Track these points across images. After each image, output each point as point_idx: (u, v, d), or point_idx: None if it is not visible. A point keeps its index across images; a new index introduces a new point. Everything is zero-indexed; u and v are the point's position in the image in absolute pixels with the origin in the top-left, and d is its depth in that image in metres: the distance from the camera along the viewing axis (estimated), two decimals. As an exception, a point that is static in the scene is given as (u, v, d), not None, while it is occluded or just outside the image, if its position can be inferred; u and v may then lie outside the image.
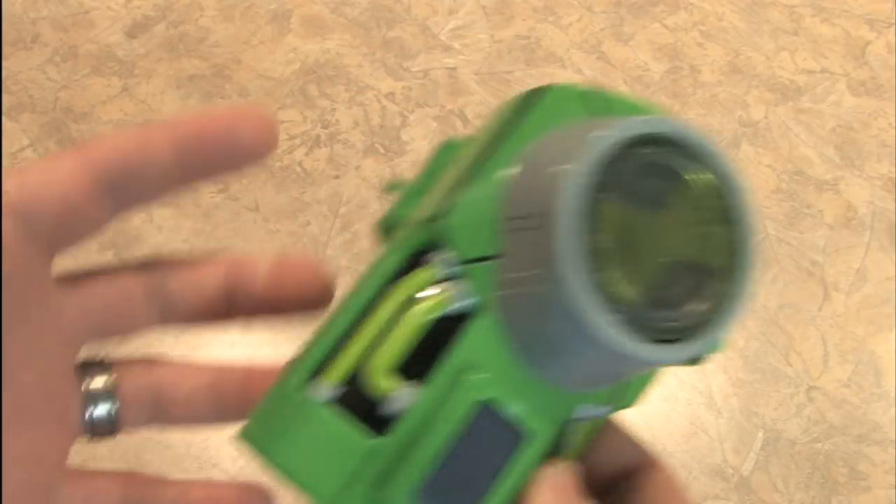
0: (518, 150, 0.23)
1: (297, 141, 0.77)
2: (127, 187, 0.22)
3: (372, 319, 0.23)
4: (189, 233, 0.71)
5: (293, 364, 0.24)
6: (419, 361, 0.23)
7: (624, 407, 0.25)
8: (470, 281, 0.23)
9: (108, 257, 0.71)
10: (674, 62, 0.84)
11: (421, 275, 0.24)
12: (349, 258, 0.71)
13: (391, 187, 0.26)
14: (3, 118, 0.77)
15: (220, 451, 0.62)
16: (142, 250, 0.69)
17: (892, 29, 0.87)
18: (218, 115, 0.22)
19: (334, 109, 0.79)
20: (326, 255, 0.72)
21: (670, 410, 0.64)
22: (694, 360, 0.24)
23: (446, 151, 0.26)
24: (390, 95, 0.80)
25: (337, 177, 0.75)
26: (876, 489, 0.60)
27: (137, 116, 0.78)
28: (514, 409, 0.23)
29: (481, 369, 0.23)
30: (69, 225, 0.22)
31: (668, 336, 0.22)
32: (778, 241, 0.73)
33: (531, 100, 0.25)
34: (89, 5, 0.86)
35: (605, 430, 0.27)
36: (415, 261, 0.24)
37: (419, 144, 0.77)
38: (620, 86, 0.82)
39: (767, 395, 0.64)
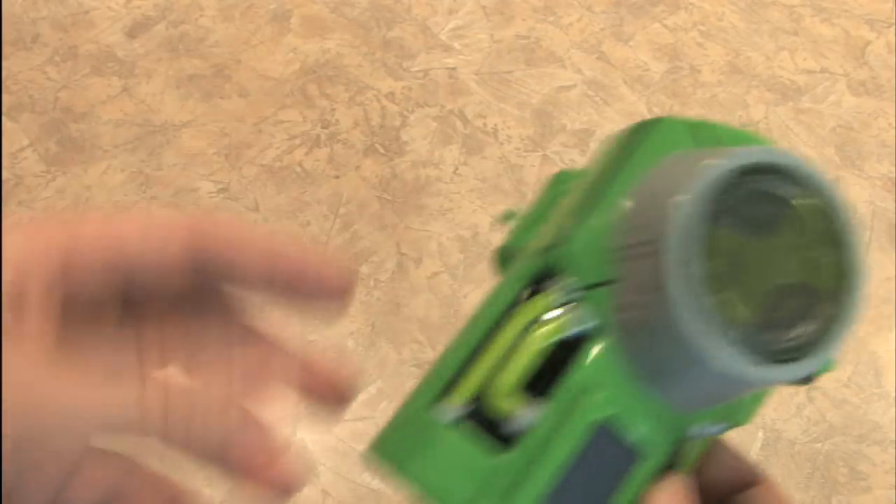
0: (632, 181, 0.25)
1: (297, 141, 0.77)
2: (212, 272, 0.23)
3: (495, 343, 0.25)
4: (189, 233, 0.71)
5: (421, 385, 0.25)
6: (540, 382, 0.24)
7: (738, 424, 0.26)
8: (588, 305, 0.24)
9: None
10: (674, 62, 0.84)
11: (541, 300, 0.25)
12: (349, 258, 0.71)
13: (506, 217, 0.28)
14: (3, 118, 0.77)
15: (219, 451, 0.62)
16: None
17: (892, 29, 0.87)
18: (310, 257, 0.24)
19: (334, 109, 0.79)
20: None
21: (670, 410, 0.64)
22: (806, 380, 0.25)
23: (559, 182, 0.27)
24: (390, 95, 0.80)
25: (337, 177, 0.75)
26: (876, 489, 0.60)
27: (137, 116, 0.78)
28: (631, 429, 0.24)
29: (599, 390, 0.24)
30: (152, 281, 0.23)
31: (781, 357, 0.23)
32: (778, 241, 0.73)
33: (642, 131, 0.26)
34: (89, 5, 0.86)
35: (716, 447, 0.28)
36: (535, 287, 0.26)
37: (419, 144, 0.77)
38: (620, 86, 0.82)
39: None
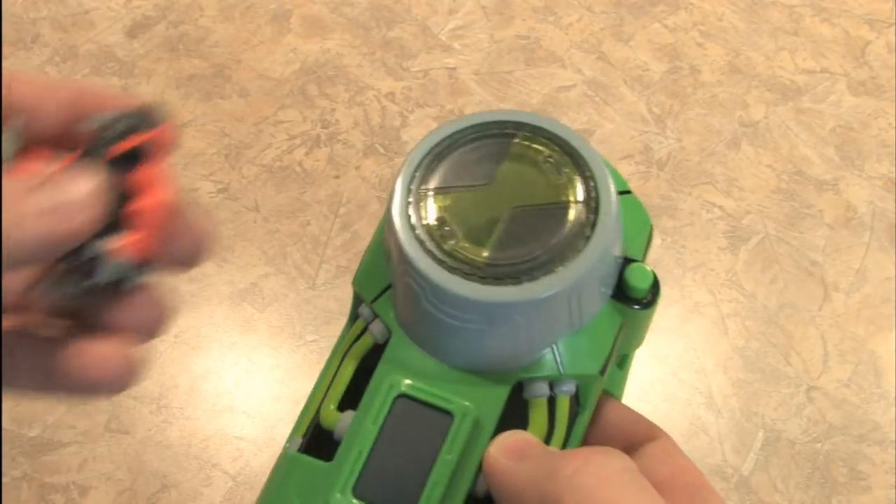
0: None
1: (297, 141, 0.77)
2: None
3: (327, 377, 0.28)
4: (189, 233, 0.71)
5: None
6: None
7: (588, 378, 0.27)
8: (381, 313, 0.27)
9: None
10: (674, 62, 0.84)
11: (355, 329, 0.28)
12: (349, 258, 0.71)
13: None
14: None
15: (220, 451, 0.62)
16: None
17: (892, 29, 0.87)
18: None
19: (334, 109, 0.79)
20: (326, 255, 0.72)
21: (670, 410, 0.64)
22: (640, 303, 0.27)
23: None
24: (390, 95, 0.80)
25: (337, 177, 0.75)
26: (876, 489, 0.60)
27: (137, 116, 0.78)
28: (433, 393, 0.25)
29: (398, 373, 0.26)
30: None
31: (515, 278, 0.25)
32: (778, 241, 0.73)
33: None
34: (89, 5, 0.86)
35: (610, 406, 0.28)
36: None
37: (419, 144, 0.77)
38: (620, 86, 0.82)
39: (767, 395, 0.64)
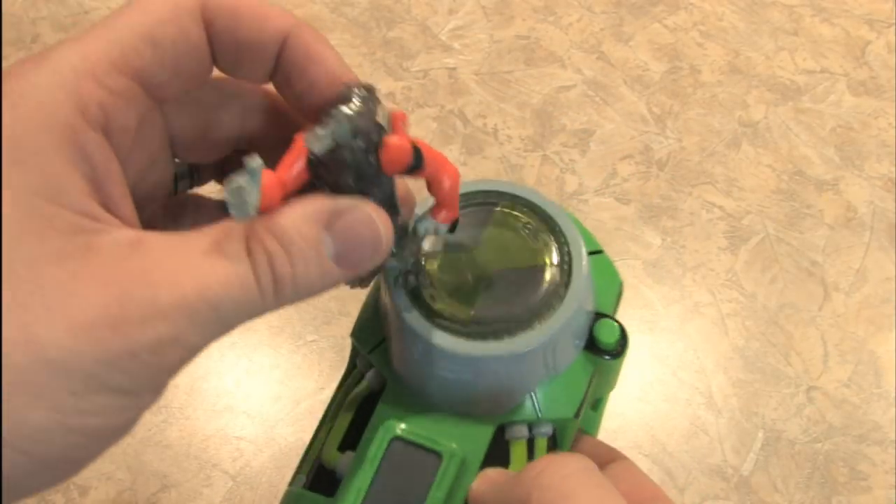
0: None
1: (297, 141, 0.77)
2: (224, 46, 0.23)
3: (327, 422, 0.30)
4: (189, 233, 0.71)
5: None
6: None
7: (564, 422, 0.29)
8: (377, 363, 0.30)
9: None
10: (674, 62, 0.84)
11: (354, 377, 0.31)
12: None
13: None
14: (3, 118, 0.76)
15: (220, 451, 0.62)
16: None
17: (892, 29, 0.87)
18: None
19: (334, 109, 0.79)
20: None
21: (670, 410, 0.64)
22: (610, 353, 0.29)
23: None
24: (390, 95, 0.80)
25: (337, 177, 0.75)
26: (876, 489, 0.60)
27: (137, 116, 0.78)
28: (424, 436, 0.27)
29: (393, 417, 0.28)
30: (179, 72, 0.22)
31: (494, 333, 0.27)
32: (778, 241, 0.73)
33: None
34: (89, 5, 0.86)
35: (583, 440, 0.31)
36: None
37: (419, 144, 0.77)
38: (620, 86, 0.82)
39: (767, 395, 0.64)
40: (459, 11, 0.87)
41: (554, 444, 0.29)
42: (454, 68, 0.83)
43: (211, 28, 0.22)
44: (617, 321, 0.30)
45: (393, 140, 0.23)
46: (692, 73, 0.83)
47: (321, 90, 0.23)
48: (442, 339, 0.27)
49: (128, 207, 0.21)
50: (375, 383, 0.30)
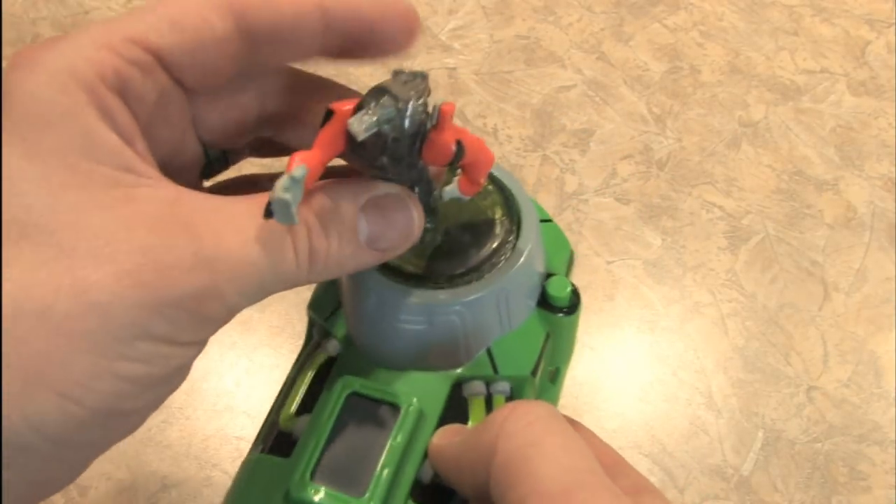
0: None
1: (297, 141, 0.77)
2: (263, 36, 0.23)
3: (283, 390, 0.31)
4: (189, 233, 0.71)
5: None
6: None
7: (519, 380, 0.30)
8: (333, 330, 0.30)
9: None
10: (674, 62, 0.84)
11: (310, 346, 0.31)
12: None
13: None
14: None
15: (219, 451, 0.62)
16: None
17: (892, 29, 0.87)
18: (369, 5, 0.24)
19: (334, 109, 0.79)
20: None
21: (670, 410, 0.64)
22: (560, 310, 0.30)
23: None
24: (390, 95, 0.80)
25: (337, 177, 0.75)
26: (876, 489, 0.60)
27: (137, 116, 0.78)
28: (382, 389, 0.27)
29: (347, 378, 0.28)
30: (200, 59, 0.22)
31: (449, 283, 0.28)
32: (778, 241, 0.73)
33: None
34: (89, 5, 0.86)
35: None
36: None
37: (419, 144, 0.77)
38: (620, 86, 0.82)
39: (767, 395, 0.64)
40: (459, 11, 0.87)
41: None
42: (454, 68, 0.83)
43: (244, 19, 0.22)
44: (569, 280, 0.31)
45: (438, 138, 0.23)
46: (692, 73, 0.83)
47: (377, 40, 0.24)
48: (396, 289, 0.27)
49: (156, 170, 0.21)
50: (332, 350, 0.30)
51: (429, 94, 0.23)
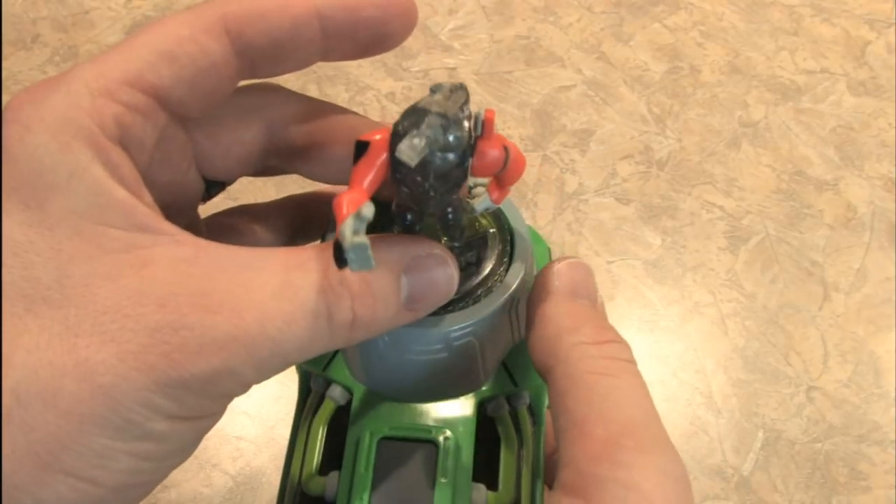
0: None
1: (297, 141, 0.77)
2: (262, 51, 0.22)
3: (297, 451, 0.29)
4: (189, 233, 0.71)
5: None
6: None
7: (538, 384, 0.29)
8: (336, 377, 0.29)
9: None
10: (674, 62, 0.84)
11: (312, 400, 0.30)
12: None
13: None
14: (3, 118, 0.76)
15: (219, 451, 0.62)
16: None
17: (892, 29, 0.87)
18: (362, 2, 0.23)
19: (334, 109, 0.79)
20: (326, 255, 0.71)
21: (670, 410, 0.64)
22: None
23: None
24: (390, 95, 0.80)
25: (337, 177, 0.75)
26: (876, 489, 0.60)
27: (137, 116, 0.78)
28: (412, 428, 0.26)
29: (372, 421, 0.27)
30: (199, 89, 0.21)
31: (461, 302, 0.26)
32: (778, 241, 0.73)
33: None
34: (89, 5, 0.86)
35: None
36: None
37: (419, 144, 0.77)
38: (620, 86, 0.82)
39: (767, 395, 0.64)
40: (459, 11, 0.87)
41: (532, 415, 0.29)
42: (454, 68, 0.83)
43: (240, 38, 0.21)
44: None
45: (488, 147, 0.22)
46: (692, 73, 0.83)
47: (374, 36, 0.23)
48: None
49: (168, 223, 0.21)
50: (340, 398, 0.29)
51: (468, 104, 0.23)
